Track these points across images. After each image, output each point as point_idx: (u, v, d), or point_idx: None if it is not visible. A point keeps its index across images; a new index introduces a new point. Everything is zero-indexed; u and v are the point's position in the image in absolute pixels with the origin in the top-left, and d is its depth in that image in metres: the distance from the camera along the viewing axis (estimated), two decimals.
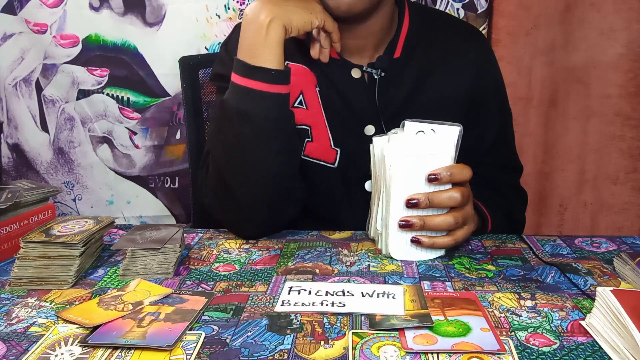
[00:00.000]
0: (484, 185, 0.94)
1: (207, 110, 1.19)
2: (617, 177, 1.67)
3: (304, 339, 0.59)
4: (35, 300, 0.68)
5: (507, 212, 0.97)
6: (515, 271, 0.77)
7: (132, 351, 0.57)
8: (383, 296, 0.68)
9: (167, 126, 1.71)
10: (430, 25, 0.99)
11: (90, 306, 0.66)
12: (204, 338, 0.59)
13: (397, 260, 0.80)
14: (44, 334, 0.60)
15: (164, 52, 1.63)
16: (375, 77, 0.94)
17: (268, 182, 0.86)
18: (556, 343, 0.59)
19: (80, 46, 1.65)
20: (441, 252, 0.82)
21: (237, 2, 1.62)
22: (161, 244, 0.76)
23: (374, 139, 0.83)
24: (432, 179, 0.78)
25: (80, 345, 0.57)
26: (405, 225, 0.79)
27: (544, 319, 0.63)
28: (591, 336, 0.60)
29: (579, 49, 1.60)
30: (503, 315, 0.64)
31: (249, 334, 0.60)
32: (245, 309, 0.66)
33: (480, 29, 1.55)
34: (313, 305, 0.66)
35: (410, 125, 0.80)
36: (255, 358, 0.56)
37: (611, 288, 0.60)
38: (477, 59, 0.99)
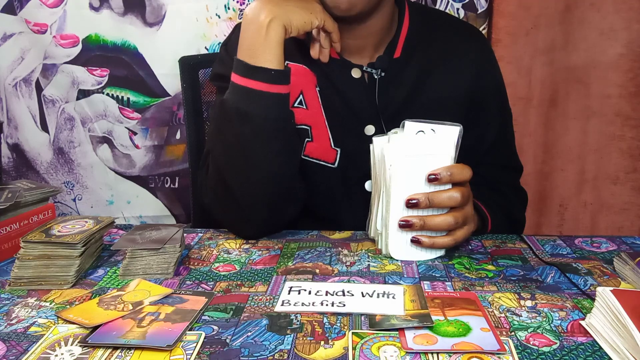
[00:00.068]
0: (484, 185, 0.94)
1: (207, 110, 1.19)
2: (617, 177, 1.67)
3: (304, 339, 0.59)
4: (35, 300, 0.68)
5: (507, 212, 0.97)
6: (515, 271, 0.77)
7: (132, 351, 0.57)
8: (383, 296, 0.68)
9: (167, 126, 1.71)
10: (430, 25, 0.99)
11: (90, 306, 0.66)
12: (204, 338, 0.59)
13: (397, 260, 0.80)
14: (44, 334, 0.60)
15: (164, 52, 1.63)
16: (376, 77, 0.94)
17: (268, 182, 0.86)
18: (556, 343, 0.59)
19: (80, 46, 1.65)
20: (441, 252, 0.82)
21: (237, 2, 1.62)
22: (161, 244, 0.76)
23: (374, 139, 0.83)
24: (432, 179, 0.78)
25: (80, 345, 0.58)
26: (405, 225, 0.79)
27: (544, 319, 0.63)
28: (591, 336, 0.60)
29: (579, 49, 1.60)
30: (503, 315, 0.64)
31: (249, 334, 0.60)
32: (245, 309, 0.66)
33: (480, 29, 1.55)
34: (313, 305, 0.66)
35: (410, 125, 0.80)
36: (255, 358, 0.56)
37: (611, 288, 0.60)
38: (477, 59, 0.99)
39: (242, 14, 1.58)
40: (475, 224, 0.86)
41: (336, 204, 0.98)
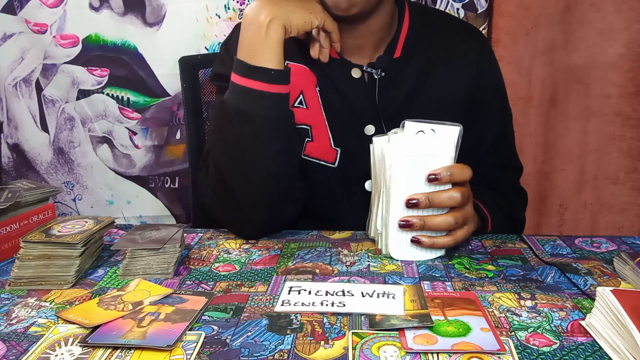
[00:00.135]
0: (484, 185, 0.94)
1: (207, 110, 1.19)
2: (617, 177, 1.67)
3: (304, 339, 0.59)
4: (35, 300, 0.68)
5: (507, 212, 0.97)
6: (515, 271, 0.77)
7: (132, 351, 0.57)
8: (383, 296, 0.68)
9: (167, 126, 1.71)
10: (430, 25, 0.99)
11: (90, 306, 0.66)
12: (204, 338, 0.59)
13: (397, 260, 0.80)
14: (44, 334, 0.60)
15: (164, 52, 1.63)
16: (376, 76, 0.94)
17: (268, 182, 0.86)
18: (556, 343, 0.59)
19: (80, 46, 1.65)
20: (441, 252, 0.82)
21: (237, 2, 1.62)
22: (161, 244, 0.76)
23: (374, 139, 0.83)
24: (432, 179, 0.78)
25: (80, 345, 0.57)
26: (405, 225, 0.79)
27: (544, 319, 0.63)
28: (591, 336, 0.60)
29: (579, 49, 1.60)
30: (503, 315, 0.64)
31: (249, 334, 0.60)
32: (245, 309, 0.66)
33: (480, 29, 1.55)
34: (313, 305, 0.66)
35: (410, 125, 0.80)
36: (255, 358, 0.56)
37: (611, 288, 0.60)
38: (477, 59, 0.99)
39: (242, 14, 1.58)
40: (475, 224, 0.86)
41: (336, 204, 0.98)
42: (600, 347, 0.58)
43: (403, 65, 0.95)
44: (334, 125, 0.94)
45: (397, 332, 0.59)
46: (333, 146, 0.95)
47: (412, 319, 0.62)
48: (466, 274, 0.76)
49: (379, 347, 0.57)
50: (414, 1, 1.04)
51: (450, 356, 0.55)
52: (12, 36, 1.65)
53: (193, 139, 1.18)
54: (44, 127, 1.72)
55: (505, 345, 0.57)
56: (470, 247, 0.86)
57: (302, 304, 0.66)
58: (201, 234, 0.92)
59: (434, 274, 0.76)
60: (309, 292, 0.69)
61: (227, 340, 0.59)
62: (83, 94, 1.69)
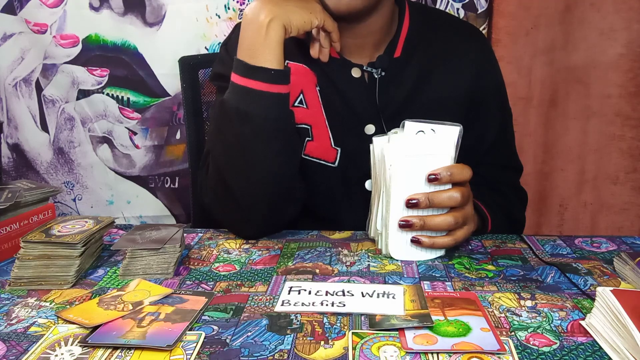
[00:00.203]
0: (484, 185, 0.94)
1: (207, 110, 1.19)
2: (617, 177, 1.67)
3: (304, 339, 0.59)
4: (35, 300, 0.68)
5: (507, 212, 0.97)
6: (515, 271, 0.77)
7: (132, 351, 0.57)
8: (383, 296, 0.68)
9: (167, 126, 1.71)
10: (430, 25, 0.99)
11: (90, 306, 0.66)
12: (204, 338, 0.59)
13: (397, 260, 0.80)
14: (44, 334, 0.60)
15: (164, 52, 1.63)
16: (376, 76, 0.94)
17: (268, 182, 0.86)
18: (556, 343, 0.59)
19: (80, 46, 1.65)
20: (441, 252, 0.82)
21: (237, 2, 1.62)
22: (161, 244, 0.76)
23: (374, 138, 0.83)
24: (432, 179, 0.78)
25: (80, 345, 0.57)
26: (405, 225, 0.79)
27: (544, 319, 0.63)
28: (591, 336, 0.60)
29: (579, 49, 1.60)
30: (503, 315, 0.64)
31: (249, 334, 0.60)
32: (245, 309, 0.66)
33: (480, 29, 1.55)
34: (313, 305, 0.66)
35: (410, 125, 0.80)
36: (255, 358, 0.56)
37: (611, 288, 0.60)
38: (477, 59, 0.99)
39: (242, 14, 1.58)
40: (475, 224, 0.86)
41: (336, 203, 0.98)
42: (600, 347, 0.58)
43: (403, 65, 0.95)
44: (334, 125, 0.94)
45: (397, 332, 0.59)
46: (333, 146, 0.95)
47: (412, 319, 0.62)
48: (466, 274, 0.76)
49: (379, 347, 0.57)
50: (414, 1, 1.04)
51: (450, 356, 0.55)
52: (12, 36, 1.65)
53: (193, 139, 1.18)
54: (44, 127, 1.72)
55: (505, 345, 0.57)
56: (470, 247, 0.86)
57: (302, 304, 0.66)
58: (201, 234, 0.92)
59: (434, 274, 0.76)
60: (309, 292, 0.69)
61: (227, 340, 0.59)
62: (83, 94, 1.69)
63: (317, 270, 0.77)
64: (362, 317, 0.63)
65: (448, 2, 1.59)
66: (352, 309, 0.65)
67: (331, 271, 0.77)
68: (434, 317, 0.62)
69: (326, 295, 0.68)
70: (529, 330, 0.61)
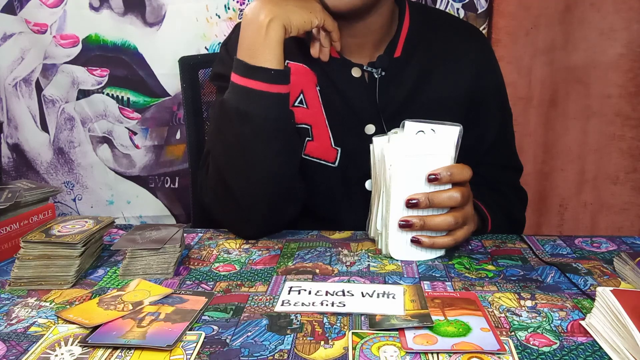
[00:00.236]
0: (484, 185, 0.94)
1: (207, 110, 1.19)
2: (617, 177, 1.67)
3: (304, 339, 0.59)
4: (35, 300, 0.68)
5: (507, 212, 0.97)
6: (515, 271, 0.77)
7: (132, 351, 0.57)
8: (383, 296, 0.68)
9: (167, 126, 1.71)
10: (430, 25, 0.99)
11: (90, 306, 0.66)
12: (204, 338, 0.59)
13: (397, 260, 0.80)
14: (44, 334, 0.60)
15: (164, 52, 1.63)
16: (376, 76, 0.94)
17: (268, 182, 0.86)
18: (556, 343, 0.59)
19: (80, 46, 1.65)
20: (441, 252, 0.82)
21: (237, 2, 1.62)
22: (161, 244, 0.76)
23: (374, 138, 0.83)
24: (432, 179, 0.78)
25: (80, 345, 0.57)
26: (405, 225, 0.79)
27: (544, 319, 0.63)
28: (591, 336, 0.60)
29: (579, 49, 1.60)
30: (503, 315, 0.64)
31: (249, 334, 0.60)
32: (245, 309, 0.66)
33: (480, 29, 1.55)
34: (313, 305, 0.66)
35: (410, 125, 0.80)
36: (255, 358, 0.56)
37: (611, 288, 0.60)
38: (477, 59, 0.99)
39: (242, 14, 1.58)
40: (475, 224, 0.86)
41: (336, 203, 0.98)
42: (600, 347, 0.58)
43: (403, 65, 0.95)
44: (334, 125, 0.94)
45: (397, 332, 0.59)
46: (333, 146, 0.95)
47: (412, 319, 0.62)
48: (466, 274, 0.76)
49: (379, 347, 0.57)
50: (414, 1, 1.04)
51: (450, 356, 0.55)
52: (12, 36, 1.65)
53: (193, 139, 1.18)
54: (44, 127, 1.72)
55: (505, 345, 0.57)
56: (470, 247, 0.86)
57: (302, 304, 0.66)
58: (201, 234, 0.92)
59: (434, 274, 0.76)
60: (309, 292, 0.69)
61: (227, 340, 0.59)
62: (83, 94, 1.69)
63: (317, 270, 0.77)
64: (362, 317, 0.63)
65: (448, 2, 1.59)
66: (352, 309, 0.65)
67: (331, 271, 0.77)
68: (434, 317, 0.62)
69: (326, 295, 0.68)
70: (529, 330, 0.61)
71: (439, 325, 0.61)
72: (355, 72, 0.94)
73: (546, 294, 0.69)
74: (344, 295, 0.68)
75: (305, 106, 0.93)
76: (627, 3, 1.55)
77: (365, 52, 0.95)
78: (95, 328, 0.60)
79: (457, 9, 1.59)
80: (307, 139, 0.94)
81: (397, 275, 0.75)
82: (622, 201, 1.68)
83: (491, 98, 1.01)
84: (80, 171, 1.75)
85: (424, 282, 0.73)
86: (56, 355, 0.56)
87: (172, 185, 1.75)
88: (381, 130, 0.93)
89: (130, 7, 1.63)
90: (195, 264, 0.80)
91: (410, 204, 0.78)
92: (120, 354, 0.56)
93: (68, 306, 0.67)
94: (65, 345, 0.58)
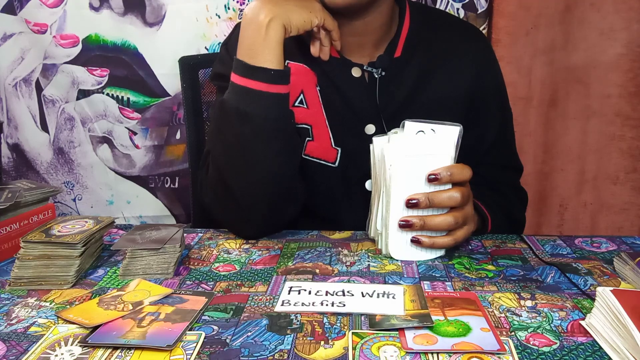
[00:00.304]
0: (484, 185, 0.94)
1: (207, 110, 1.19)
2: (617, 177, 1.67)
3: (304, 339, 0.59)
4: (35, 300, 0.68)
5: (507, 212, 0.97)
6: (515, 271, 0.77)
7: (132, 351, 0.57)
8: (383, 296, 0.68)
9: (167, 126, 1.71)
10: (430, 25, 0.99)
11: (90, 306, 0.66)
12: (204, 338, 0.59)
13: (397, 260, 0.80)
14: (44, 334, 0.60)
15: (164, 52, 1.63)
16: (376, 76, 0.94)
17: (268, 182, 0.86)
18: (556, 343, 0.59)
19: (80, 46, 1.65)
20: (441, 252, 0.82)
21: (237, 2, 1.62)
22: (161, 244, 0.76)
23: (374, 138, 0.83)
24: (432, 179, 0.78)
25: (80, 345, 0.57)
26: (405, 225, 0.79)
27: (544, 319, 0.63)
28: (591, 336, 0.60)
29: (579, 49, 1.60)
30: (503, 315, 0.64)
31: (249, 334, 0.60)
32: (245, 309, 0.66)
33: (480, 29, 1.55)
34: (313, 305, 0.66)
35: (410, 125, 0.80)
36: (255, 358, 0.56)
37: (611, 288, 0.60)
38: (477, 59, 0.99)
39: (242, 14, 1.58)
40: (475, 224, 0.86)
41: (336, 203, 0.98)
42: (600, 347, 0.58)
43: (403, 65, 0.95)
44: (335, 125, 0.94)
45: (397, 332, 0.59)
46: (333, 146, 0.95)
47: (412, 319, 0.62)
48: (466, 274, 0.76)
49: (379, 347, 0.57)
50: (414, 1, 1.04)
51: (450, 356, 0.55)
52: (12, 36, 1.65)
53: (193, 139, 1.18)
54: (44, 127, 1.72)
55: (505, 345, 0.57)
56: (470, 247, 0.86)
57: (302, 304, 0.66)
58: (201, 234, 0.92)
59: (434, 274, 0.76)
60: (309, 292, 0.69)
61: (227, 340, 0.59)
62: (83, 94, 1.69)
63: (317, 270, 0.77)
64: (362, 317, 0.63)
65: (448, 2, 1.59)
66: (352, 309, 0.65)
67: (331, 271, 0.77)
68: (434, 317, 0.62)
69: (326, 295, 0.68)
70: (529, 330, 0.61)
71: (439, 325, 0.61)
72: (356, 72, 0.94)
73: (546, 294, 0.69)
74: (344, 295, 0.68)
75: (305, 106, 0.93)
76: (627, 3, 1.55)
77: (366, 51, 0.95)
78: (95, 328, 0.60)
79: (457, 9, 1.58)
80: (307, 139, 0.94)
81: (397, 275, 0.75)
82: (622, 201, 1.68)
83: (491, 98, 1.01)
84: (80, 171, 1.75)
85: (424, 282, 0.73)
86: (56, 355, 0.56)
87: (172, 185, 1.75)
88: (381, 130, 0.93)
89: (130, 7, 1.62)
90: (195, 264, 0.80)
91: (410, 204, 0.78)
92: (120, 354, 0.56)
93: (68, 306, 0.67)
94: (65, 345, 0.58)
